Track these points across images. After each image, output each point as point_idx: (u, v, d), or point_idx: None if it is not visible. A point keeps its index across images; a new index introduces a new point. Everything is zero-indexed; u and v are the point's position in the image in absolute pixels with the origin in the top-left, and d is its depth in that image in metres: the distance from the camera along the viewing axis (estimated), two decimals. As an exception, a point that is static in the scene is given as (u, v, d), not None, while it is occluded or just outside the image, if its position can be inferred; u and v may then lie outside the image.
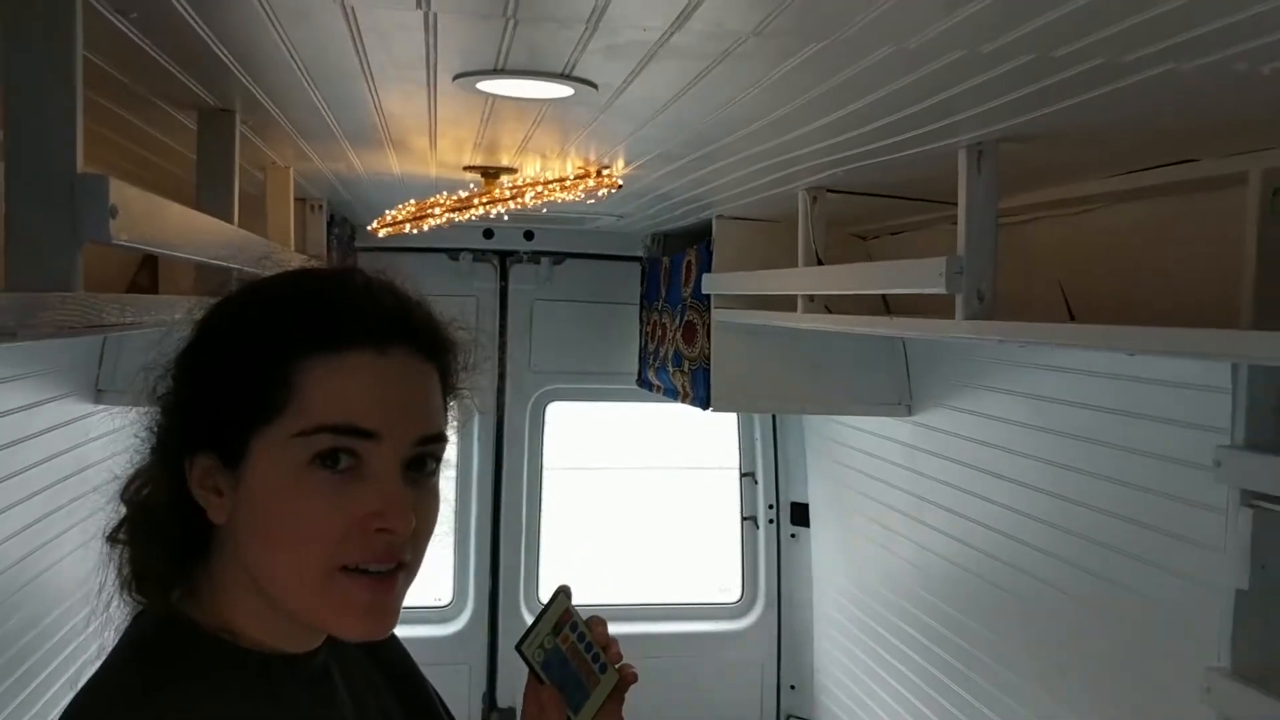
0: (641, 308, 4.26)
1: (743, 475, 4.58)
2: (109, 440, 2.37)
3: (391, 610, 0.99)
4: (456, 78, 1.43)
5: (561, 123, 1.79)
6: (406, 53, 1.33)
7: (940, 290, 1.82)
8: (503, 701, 4.36)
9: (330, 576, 0.95)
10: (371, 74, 1.46)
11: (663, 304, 3.89)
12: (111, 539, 1.03)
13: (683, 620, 4.50)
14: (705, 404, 3.36)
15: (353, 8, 1.13)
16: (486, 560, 4.40)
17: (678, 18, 1.10)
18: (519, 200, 2.27)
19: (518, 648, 1.16)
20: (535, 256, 4.28)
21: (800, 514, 4.45)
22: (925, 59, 1.24)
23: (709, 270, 3.29)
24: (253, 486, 0.95)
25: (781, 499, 4.50)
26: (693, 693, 4.22)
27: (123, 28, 1.23)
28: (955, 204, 1.84)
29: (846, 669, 3.99)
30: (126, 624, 1.02)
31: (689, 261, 3.54)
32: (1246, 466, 1.73)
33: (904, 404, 3.30)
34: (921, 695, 3.26)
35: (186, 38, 1.28)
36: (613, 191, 2.37)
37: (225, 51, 1.37)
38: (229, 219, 1.81)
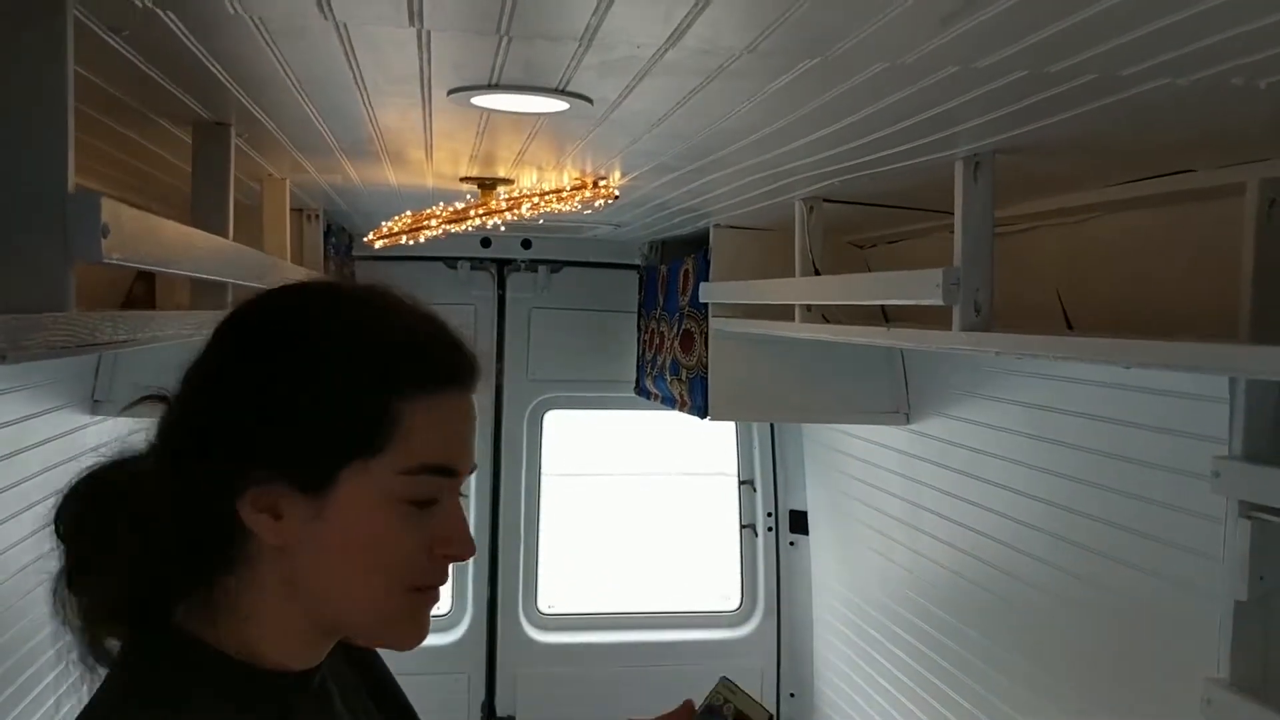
0: (639, 316, 4.26)
1: (741, 483, 4.57)
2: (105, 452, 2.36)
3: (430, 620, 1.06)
4: (451, 93, 1.43)
5: (557, 136, 1.79)
6: (400, 69, 1.33)
7: (937, 302, 1.82)
8: (501, 710, 4.36)
9: (404, 596, 1.00)
10: (366, 89, 1.46)
11: (660, 312, 3.88)
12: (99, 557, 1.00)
13: (682, 628, 4.49)
14: (703, 413, 3.36)
15: (345, 24, 1.13)
16: (485, 569, 4.40)
17: (671, 35, 1.10)
18: (515, 211, 2.27)
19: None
20: (533, 265, 4.27)
21: (799, 522, 4.44)
22: (919, 74, 1.23)
23: (706, 279, 3.29)
24: (338, 514, 0.97)
25: (780, 507, 4.50)
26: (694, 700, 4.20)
27: (115, 45, 1.22)
28: (953, 213, 1.84)
29: (846, 677, 3.98)
30: (122, 645, 1.01)
31: (686, 270, 3.54)
32: (1245, 478, 1.72)
33: (902, 413, 3.29)
34: (921, 703, 3.26)
35: (180, 55, 1.28)
36: (609, 202, 2.37)
37: (219, 68, 1.37)
38: (224, 232, 1.81)
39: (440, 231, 2.44)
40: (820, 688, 4.31)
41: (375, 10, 1.08)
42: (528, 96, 1.41)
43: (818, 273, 2.51)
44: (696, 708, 1.33)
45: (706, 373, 3.31)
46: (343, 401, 0.97)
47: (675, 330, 3.64)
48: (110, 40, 1.20)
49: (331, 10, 1.07)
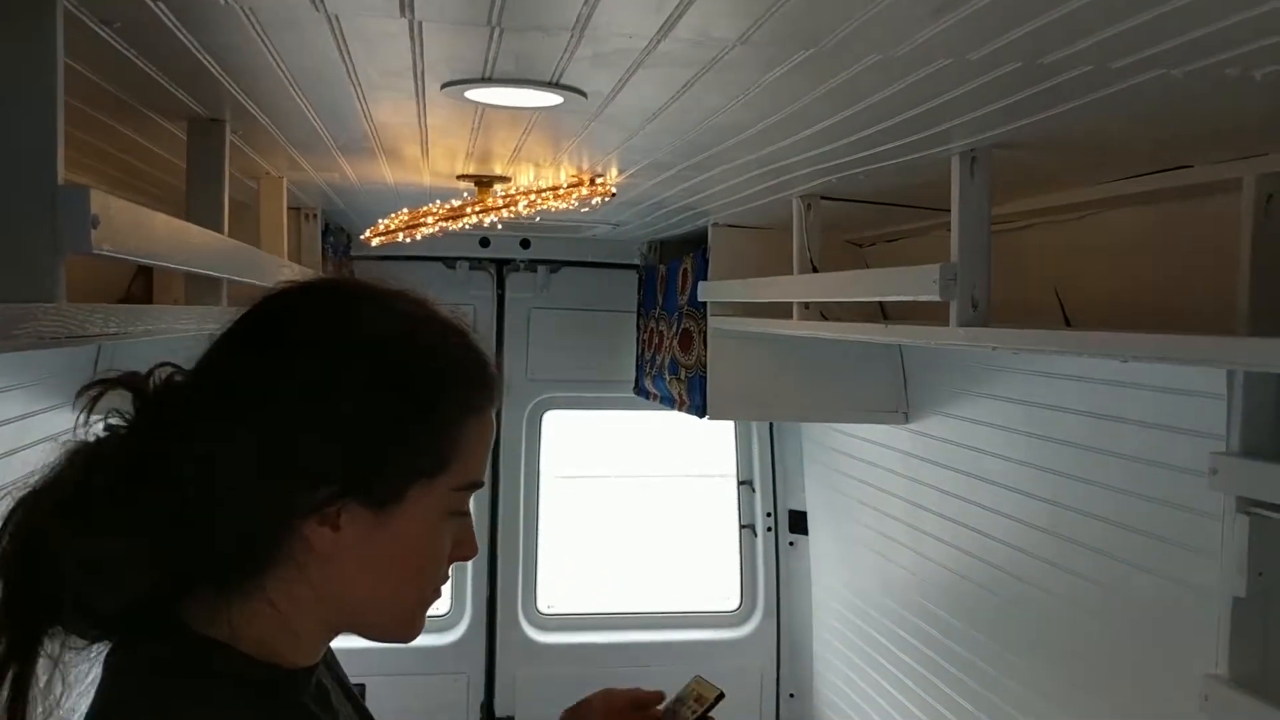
0: (638, 316, 4.26)
1: (740, 483, 4.56)
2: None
3: None
4: (444, 86, 1.43)
5: (553, 131, 1.78)
6: (393, 61, 1.33)
7: (934, 298, 1.81)
8: (500, 711, 4.35)
9: (425, 598, 1.07)
10: (360, 83, 1.45)
11: (659, 312, 3.88)
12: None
13: (681, 628, 4.49)
14: (701, 412, 3.36)
15: (337, 16, 1.13)
16: (484, 569, 4.39)
17: (663, 26, 1.09)
18: (512, 209, 2.27)
19: None
20: (532, 265, 4.27)
21: (798, 522, 4.44)
22: (913, 67, 1.23)
23: (705, 278, 3.28)
24: (400, 528, 1.00)
25: (779, 507, 4.49)
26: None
27: (107, 38, 1.22)
28: (950, 211, 1.83)
29: (845, 677, 3.97)
30: (121, 644, 0.99)
31: (685, 269, 3.53)
32: (1243, 473, 1.72)
33: (901, 411, 3.29)
34: (920, 703, 3.25)
35: (172, 48, 1.28)
36: (606, 200, 2.37)
37: (212, 62, 1.36)
38: (219, 229, 1.81)
39: (438, 229, 2.44)
40: (819, 688, 4.31)
41: (367, 1, 1.08)
42: (521, 90, 1.40)
43: (816, 270, 2.50)
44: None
45: (705, 372, 3.31)
46: (421, 427, 1.00)
47: (674, 330, 3.63)
48: (102, 33, 1.20)
49: (323, 2, 1.07)
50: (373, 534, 0.99)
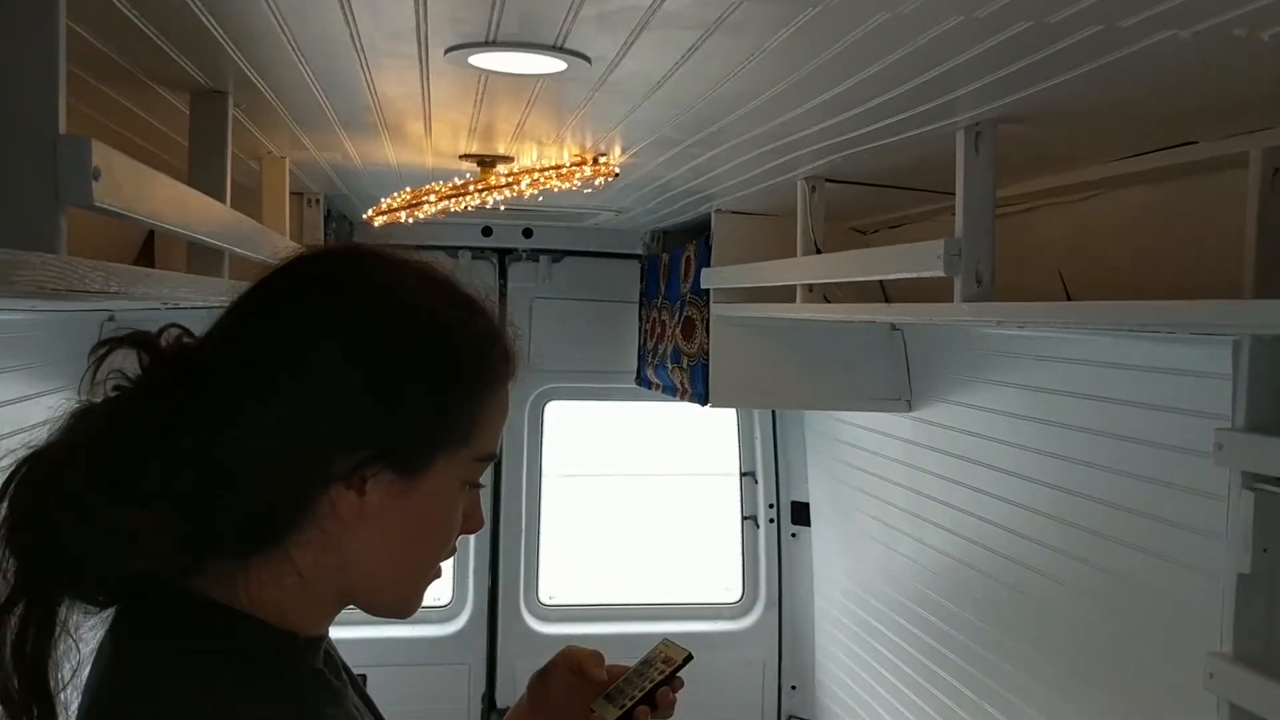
0: (641, 305, 4.25)
1: (743, 475, 4.56)
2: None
3: None
4: (448, 51, 1.42)
5: (556, 103, 1.78)
6: (396, 23, 1.32)
7: (939, 272, 1.81)
8: (502, 702, 4.35)
9: (431, 570, 1.07)
10: (362, 47, 1.45)
11: (662, 301, 3.87)
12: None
13: (683, 620, 4.47)
14: (704, 400, 3.35)
15: (340, -27, 1.12)
16: (486, 559, 4.39)
17: (669, -20, 1.09)
18: (515, 188, 2.26)
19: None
20: (534, 254, 4.26)
21: (801, 513, 4.43)
22: (920, 26, 1.22)
23: (708, 265, 3.28)
24: (424, 496, 1.00)
25: (782, 498, 4.48)
26: (693, 693, 4.18)
27: (110, -2, 1.22)
28: (954, 195, 1.83)
29: (848, 668, 3.96)
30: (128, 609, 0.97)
31: (688, 257, 3.53)
32: (1248, 448, 1.71)
33: (904, 399, 3.28)
34: (923, 693, 3.24)
35: (174, 8, 1.27)
36: (610, 180, 2.36)
37: (214, 24, 1.36)
38: (222, 202, 1.80)
39: (440, 208, 2.43)
40: (821, 679, 4.30)
41: (370, -44, 1.07)
42: (525, 54, 1.40)
43: (820, 253, 2.49)
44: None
45: (708, 359, 3.30)
46: (455, 398, 1.00)
47: (677, 318, 3.63)
48: (104, -9, 1.20)
49: (326, -44, 1.06)
50: (397, 501, 0.98)
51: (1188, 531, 2.02)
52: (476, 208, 2.48)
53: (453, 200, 2.37)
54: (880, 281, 2.91)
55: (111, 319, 2.35)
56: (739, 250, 3.17)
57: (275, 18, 1.33)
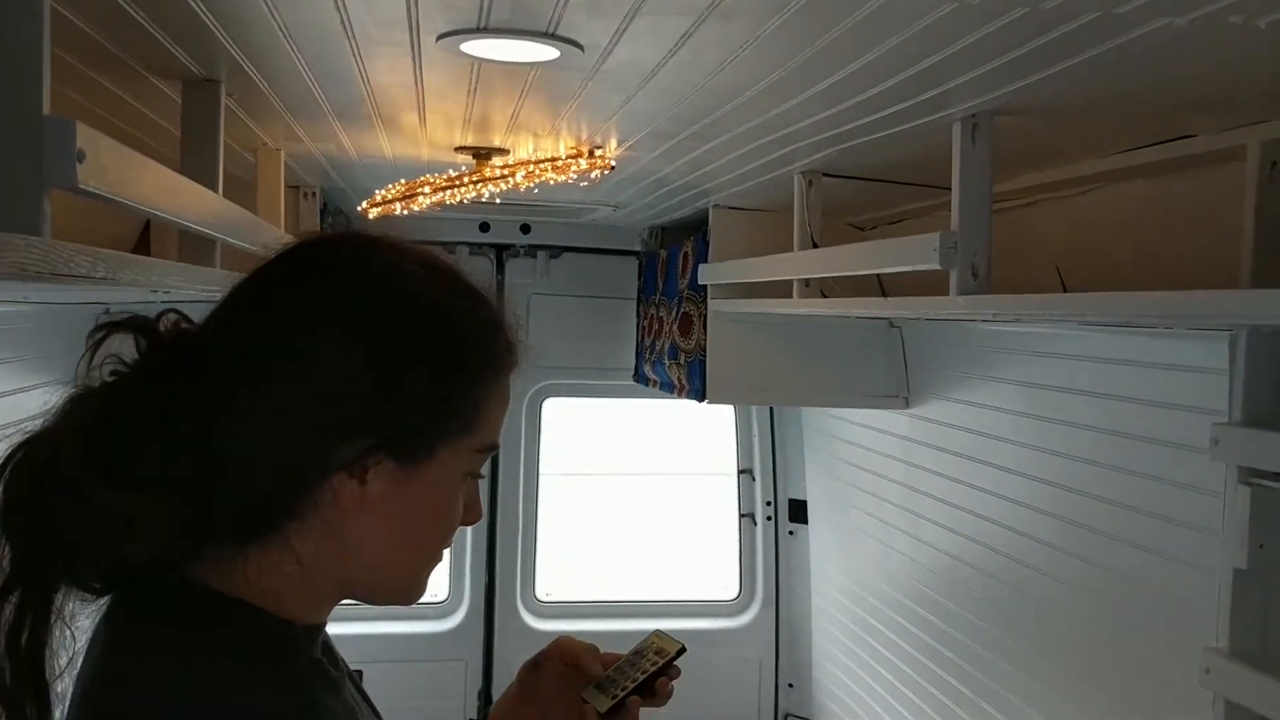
0: (638, 302, 4.24)
1: (740, 472, 4.55)
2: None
3: None
4: (440, 38, 1.41)
5: (550, 93, 1.77)
6: (387, 9, 1.31)
7: (934, 265, 1.80)
8: (498, 698, 4.33)
9: (433, 560, 1.07)
10: (354, 34, 1.44)
11: (659, 297, 3.87)
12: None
13: (679, 617, 4.46)
14: (701, 396, 3.34)
15: (330, -44, 1.11)
16: (483, 555, 4.38)
17: (660, -37, 1.08)
18: (510, 180, 2.25)
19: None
20: (532, 250, 4.26)
21: (798, 511, 4.42)
22: (915, 13, 1.21)
23: (706, 261, 3.27)
24: (426, 486, 0.99)
25: (779, 495, 4.48)
26: (689, 691, 4.16)
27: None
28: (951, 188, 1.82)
29: (845, 666, 3.96)
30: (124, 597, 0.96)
31: (686, 253, 3.52)
32: (1244, 443, 1.70)
33: (901, 396, 3.27)
34: (921, 691, 3.23)
35: (164, -7, 1.26)
36: (606, 173, 2.35)
37: (203, 8, 1.35)
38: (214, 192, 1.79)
39: (435, 200, 2.42)
40: (818, 677, 4.29)
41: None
42: (518, 41, 1.39)
43: (816, 247, 2.49)
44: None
45: (705, 355, 3.30)
46: (459, 386, 1.00)
47: (674, 314, 3.62)
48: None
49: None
50: (398, 490, 0.97)
51: (1186, 528, 2.01)
52: (472, 200, 2.47)
53: (447, 192, 2.36)
54: (878, 279, 2.91)
55: (107, 312, 2.34)
56: (737, 246, 3.16)
57: (266, 4, 1.32)
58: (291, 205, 3.00)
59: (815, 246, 2.49)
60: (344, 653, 1.17)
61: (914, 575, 3.29)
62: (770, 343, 3.26)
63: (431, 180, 2.42)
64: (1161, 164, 1.89)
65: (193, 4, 1.32)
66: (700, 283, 3.31)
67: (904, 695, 3.36)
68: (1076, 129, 1.84)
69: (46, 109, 1.00)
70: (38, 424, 0.94)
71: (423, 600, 1.11)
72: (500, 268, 4.25)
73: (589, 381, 4.43)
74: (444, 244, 4.11)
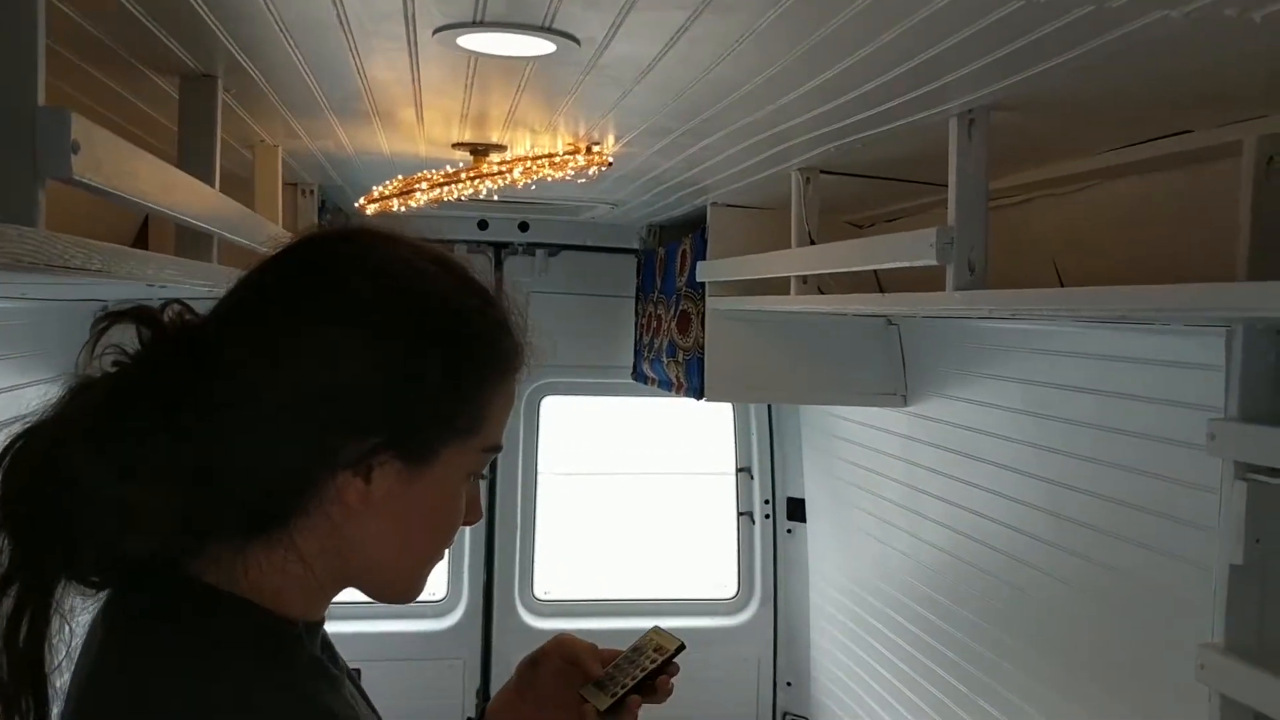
0: (637, 300, 4.25)
1: (739, 470, 4.55)
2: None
3: None
4: (436, 32, 1.41)
5: (547, 88, 1.77)
6: (383, 3, 1.31)
7: (930, 261, 1.80)
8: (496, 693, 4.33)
9: (437, 559, 1.06)
10: (350, 29, 1.44)
11: (658, 295, 3.87)
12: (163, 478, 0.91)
13: (678, 616, 4.46)
14: (699, 394, 3.34)
15: (324, -52, 1.11)
16: (481, 554, 4.38)
17: (655, -45, 1.08)
18: (507, 177, 2.25)
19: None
20: (530, 248, 4.26)
21: (796, 509, 4.43)
22: (911, 6, 1.21)
23: (704, 259, 3.27)
24: (430, 485, 0.99)
25: (778, 494, 4.48)
26: (688, 689, 4.16)
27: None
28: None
29: (843, 665, 3.96)
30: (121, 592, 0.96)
31: (684, 250, 3.52)
32: (1240, 438, 1.70)
33: (899, 394, 3.27)
34: (918, 689, 3.23)
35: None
36: (603, 170, 2.35)
37: (201, 4, 1.35)
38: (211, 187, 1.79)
39: (432, 196, 2.42)
40: (816, 676, 4.29)
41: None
42: (514, 35, 1.39)
43: (814, 244, 2.49)
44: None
45: (703, 353, 3.30)
46: (468, 387, 0.99)
47: (672, 312, 3.62)
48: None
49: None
50: (402, 489, 0.97)
51: (1183, 524, 2.01)
52: (470, 198, 2.47)
53: (445, 189, 2.36)
54: (876, 277, 2.91)
55: (105, 309, 2.34)
56: (735, 244, 3.17)
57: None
58: (289, 202, 3.00)
59: (813, 244, 2.50)
60: (342, 651, 1.16)
61: (912, 573, 3.29)
62: (768, 341, 3.26)
63: (429, 176, 2.42)
64: (1158, 160, 1.89)
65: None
66: (698, 280, 3.31)
67: (902, 693, 3.36)
68: (1073, 125, 1.84)
69: (41, 100, 1.00)
70: (39, 414, 0.93)
71: (421, 598, 1.11)
72: (498, 266, 4.25)
73: (587, 380, 4.43)
74: (442, 242, 4.10)
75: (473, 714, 4.24)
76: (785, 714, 4.48)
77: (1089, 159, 2.04)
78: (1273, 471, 1.65)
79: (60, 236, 1.06)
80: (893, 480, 3.40)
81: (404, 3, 1.31)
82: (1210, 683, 1.73)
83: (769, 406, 4.45)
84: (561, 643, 1.37)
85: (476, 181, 2.28)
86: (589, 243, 4.26)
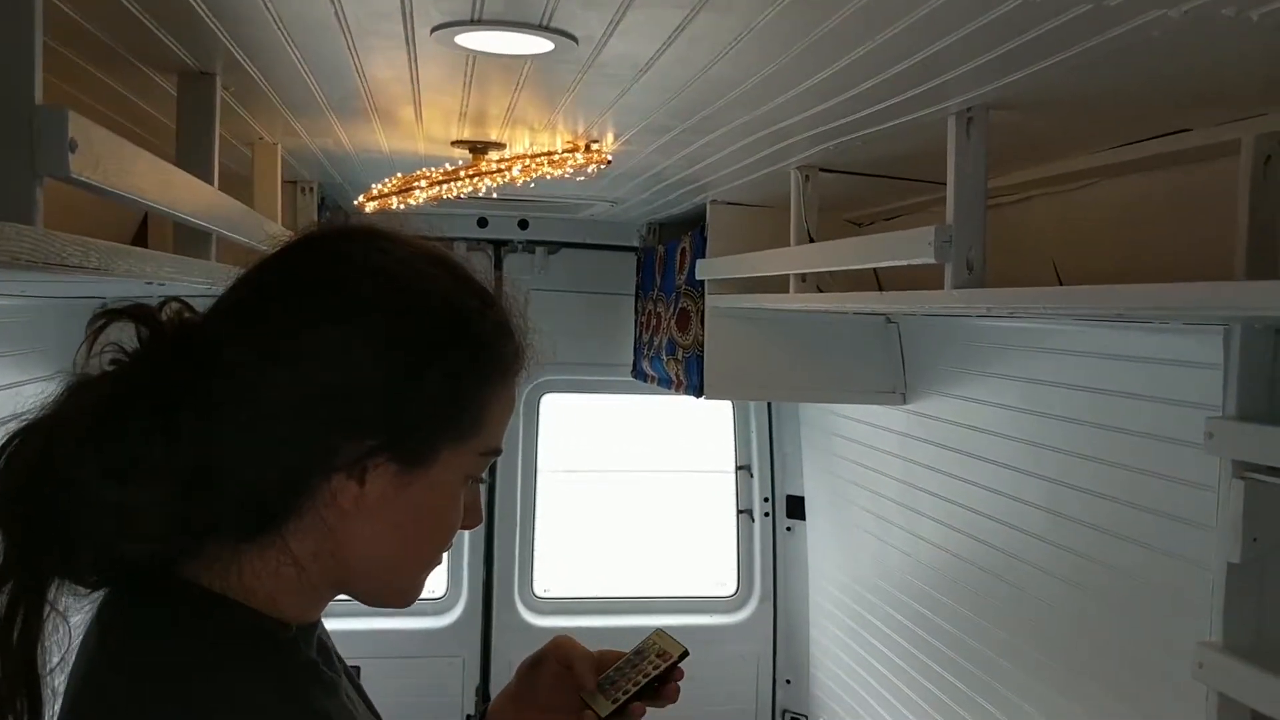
0: (636, 298, 4.25)
1: (738, 468, 4.55)
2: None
3: None
4: (434, 30, 1.41)
5: (546, 86, 1.77)
6: (381, 1, 1.31)
7: (929, 259, 1.80)
8: (497, 694, 4.33)
9: (434, 564, 1.05)
10: (348, 27, 1.44)
11: (657, 293, 3.87)
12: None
13: (677, 613, 4.47)
14: (698, 392, 3.34)
15: (322, -53, 1.11)
16: (480, 552, 4.38)
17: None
18: (506, 174, 2.25)
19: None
20: (530, 246, 4.26)
21: (796, 507, 4.43)
22: (910, 5, 1.21)
23: (703, 256, 3.27)
24: (426, 489, 0.98)
25: (777, 492, 4.48)
26: (686, 686, 4.17)
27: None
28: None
29: (842, 663, 3.96)
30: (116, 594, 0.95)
31: (684, 248, 3.53)
32: (1238, 437, 1.70)
33: (899, 392, 3.27)
34: (918, 687, 3.23)
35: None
36: (602, 168, 2.35)
37: (199, 2, 1.35)
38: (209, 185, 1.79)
39: (431, 194, 2.42)
40: (815, 673, 4.29)
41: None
42: (512, 33, 1.39)
43: (813, 242, 2.49)
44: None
45: (702, 351, 3.30)
46: (467, 389, 0.98)
47: (672, 310, 3.62)
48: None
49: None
50: (398, 493, 0.96)
51: (1181, 522, 2.01)
52: (470, 196, 2.47)
53: (444, 186, 2.36)
54: (875, 276, 2.91)
55: (103, 305, 2.34)
56: (734, 242, 3.17)
57: (260, -5, 1.32)
58: (289, 200, 3.00)
59: (812, 242, 2.50)
60: (341, 649, 1.15)
61: (911, 571, 3.29)
62: (768, 339, 3.26)
63: (428, 174, 2.42)
64: (1156, 158, 1.89)
65: (187, -4, 1.32)
66: (698, 278, 3.31)
67: (901, 691, 3.36)
68: (1071, 124, 1.84)
69: (39, 98, 1.00)
70: (36, 412, 0.92)
71: (420, 596, 1.09)
72: (498, 263, 4.25)
73: (587, 377, 4.43)
74: (442, 239, 4.10)
75: (472, 711, 4.26)
76: (784, 712, 4.48)
77: (1087, 157, 2.04)
78: (1271, 470, 1.65)
79: (58, 234, 1.06)
80: (892, 478, 3.40)
81: (402, 1, 1.31)
82: (1208, 681, 1.73)
83: (768, 404, 4.45)
84: (560, 645, 1.34)
85: (476, 179, 2.28)
86: (588, 240, 4.26)
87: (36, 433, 0.91)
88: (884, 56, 1.44)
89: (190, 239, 1.80)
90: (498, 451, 1.04)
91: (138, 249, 1.37)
